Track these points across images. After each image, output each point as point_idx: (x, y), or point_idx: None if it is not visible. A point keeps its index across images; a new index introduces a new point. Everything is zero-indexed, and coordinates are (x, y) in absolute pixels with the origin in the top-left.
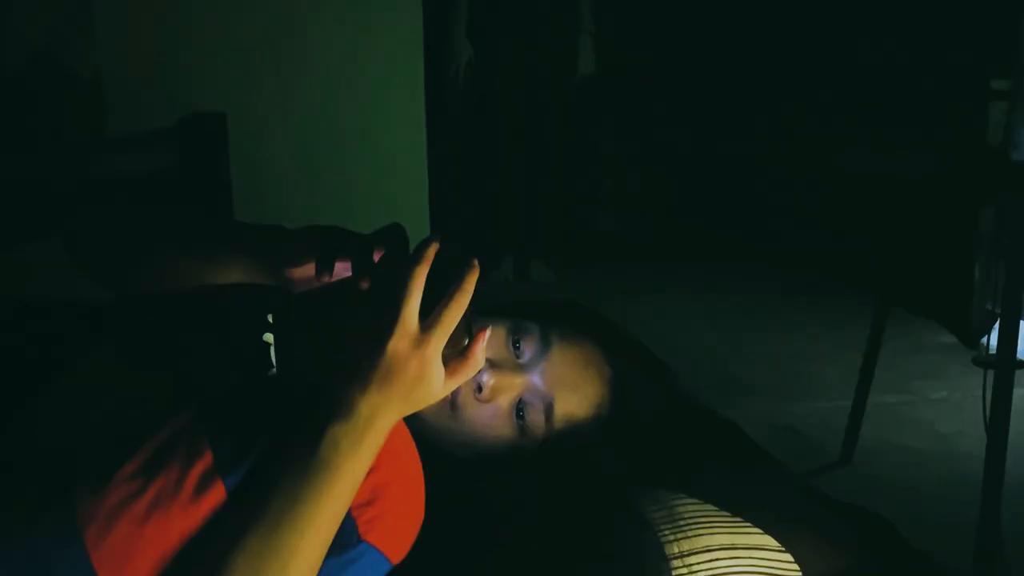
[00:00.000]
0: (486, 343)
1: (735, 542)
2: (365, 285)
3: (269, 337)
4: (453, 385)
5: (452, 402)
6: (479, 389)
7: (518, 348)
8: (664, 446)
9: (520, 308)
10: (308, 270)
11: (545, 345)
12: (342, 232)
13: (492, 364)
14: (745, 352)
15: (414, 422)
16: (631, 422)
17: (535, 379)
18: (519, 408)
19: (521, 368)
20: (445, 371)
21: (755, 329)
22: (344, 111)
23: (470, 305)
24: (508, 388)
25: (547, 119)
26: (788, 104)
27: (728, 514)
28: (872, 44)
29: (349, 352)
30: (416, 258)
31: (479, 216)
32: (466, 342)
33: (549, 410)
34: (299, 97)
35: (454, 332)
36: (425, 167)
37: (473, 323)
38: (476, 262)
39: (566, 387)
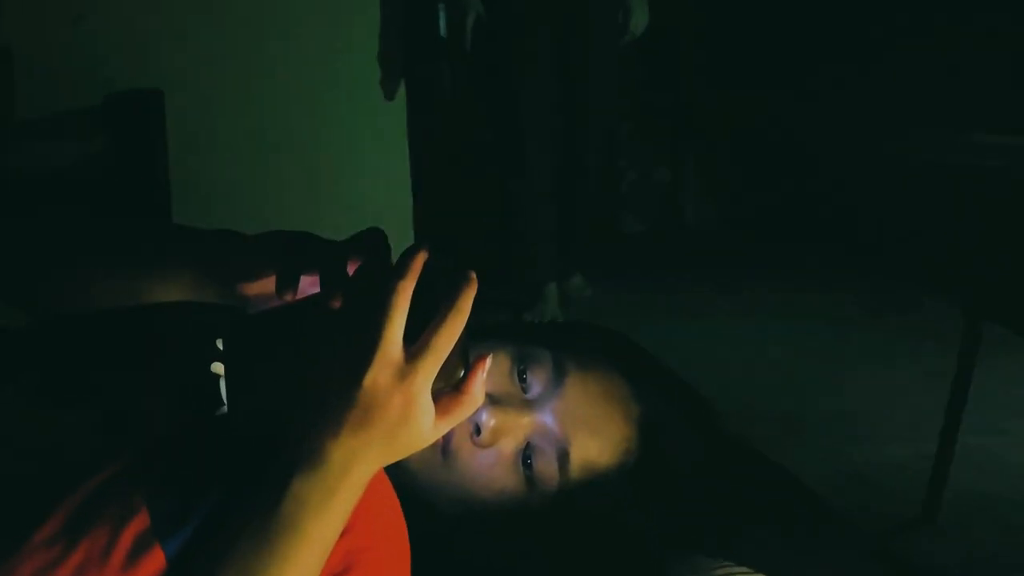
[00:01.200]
0: (486, 374)
1: None
2: (337, 304)
3: (219, 367)
4: (445, 427)
5: (444, 447)
6: (477, 431)
7: (525, 380)
8: (705, 501)
9: (528, 331)
10: (267, 285)
11: (559, 376)
12: (308, 238)
13: (493, 400)
14: (805, 384)
15: (397, 472)
16: (664, 471)
17: (546, 418)
18: (526, 454)
19: (529, 405)
20: (435, 410)
21: (818, 355)
22: (307, 89)
23: (466, 328)
24: (513, 430)
25: (582, 95)
26: (875, 74)
27: None
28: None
29: (318, 386)
30: (399, 271)
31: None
32: (461, 374)
33: (563, 457)
34: (251, 72)
35: (446, 361)
36: (407, 158)
37: (470, 350)
38: (473, 275)
39: (584, 428)
